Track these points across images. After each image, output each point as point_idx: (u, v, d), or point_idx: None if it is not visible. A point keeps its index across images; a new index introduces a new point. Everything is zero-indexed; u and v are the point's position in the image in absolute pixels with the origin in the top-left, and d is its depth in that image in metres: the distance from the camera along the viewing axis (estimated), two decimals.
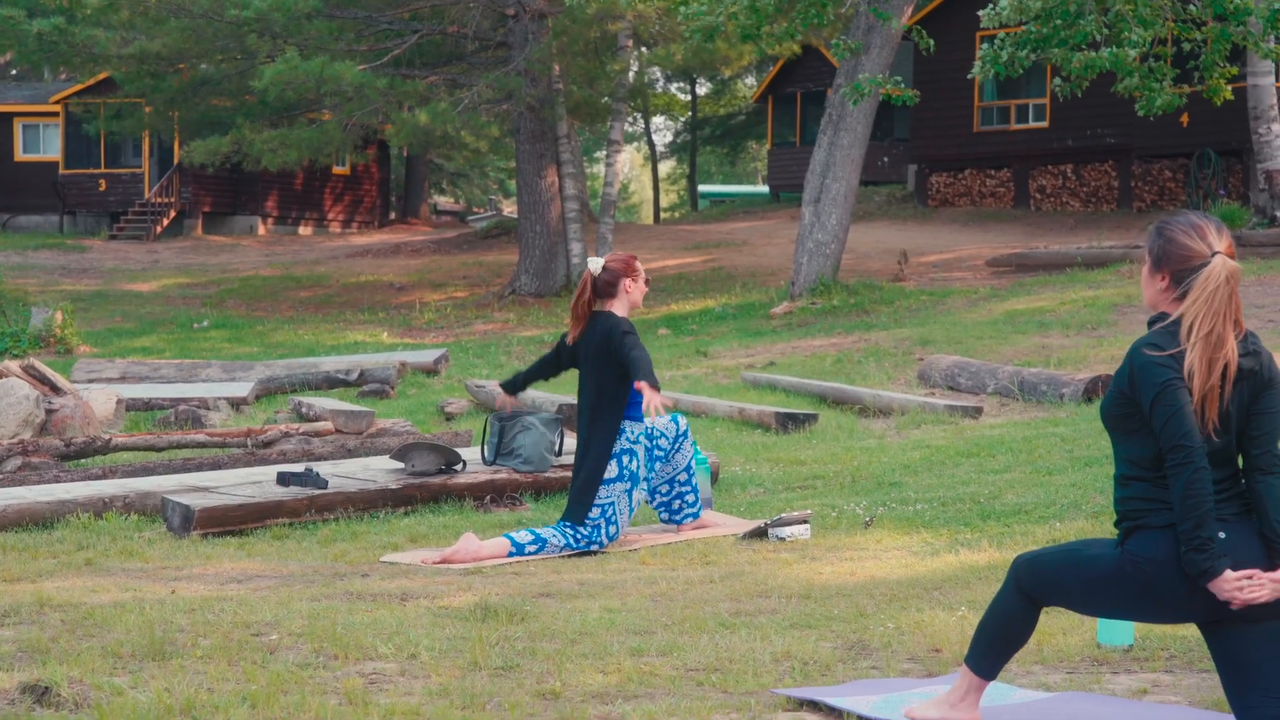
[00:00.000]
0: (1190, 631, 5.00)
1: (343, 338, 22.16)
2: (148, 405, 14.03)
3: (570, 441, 8.69)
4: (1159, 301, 3.84)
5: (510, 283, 26.62)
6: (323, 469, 8.64)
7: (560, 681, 4.50)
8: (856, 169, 21.09)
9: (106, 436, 10.74)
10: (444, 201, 55.50)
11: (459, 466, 8.60)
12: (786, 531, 7.26)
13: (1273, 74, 22.46)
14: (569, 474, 7.92)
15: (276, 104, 25.71)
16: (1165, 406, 3.69)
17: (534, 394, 13.50)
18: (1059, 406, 11.87)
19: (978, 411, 11.93)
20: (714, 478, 8.92)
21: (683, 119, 53.92)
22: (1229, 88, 17.09)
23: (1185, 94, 17.41)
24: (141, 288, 29.12)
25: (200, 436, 11.00)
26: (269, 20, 23.41)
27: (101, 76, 33.30)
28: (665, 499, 7.62)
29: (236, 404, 14.33)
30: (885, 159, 37.88)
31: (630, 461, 7.26)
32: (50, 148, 40.38)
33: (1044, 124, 30.75)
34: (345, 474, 8.57)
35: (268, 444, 10.85)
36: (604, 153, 31.95)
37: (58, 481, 8.98)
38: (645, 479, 7.35)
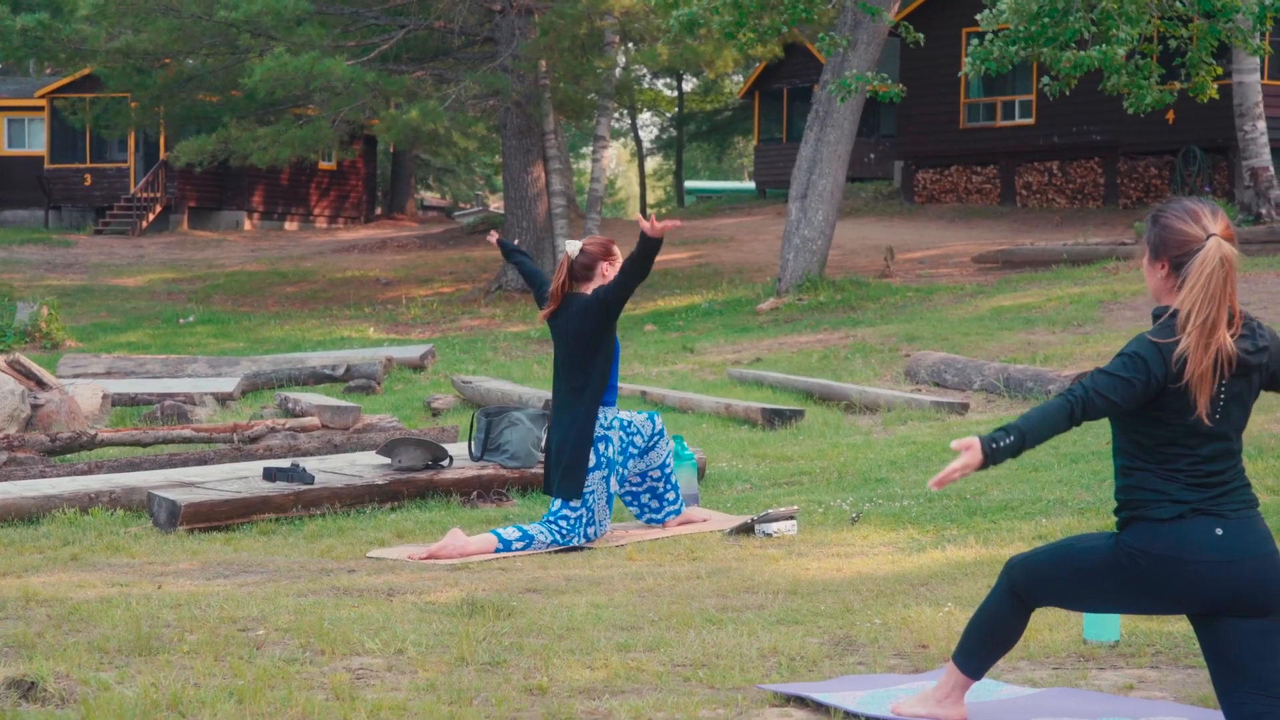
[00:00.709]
0: (1176, 627, 5.01)
1: (329, 333, 22.14)
2: (133, 400, 14.00)
3: None
4: (1161, 291, 3.80)
5: (497, 278, 26.61)
6: (309, 464, 8.63)
7: (547, 677, 4.50)
8: (843, 165, 21.10)
9: (92, 432, 10.71)
10: (430, 197, 55.45)
11: (445, 462, 8.60)
12: (773, 527, 7.26)
13: (1258, 71, 22.51)
14: None
15: (265, 100, 25.68)
16: (1114, 365, 3.69)
17: (520, 390, 13.50)
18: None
19: (964, 408, 11.95)
20: (700, 474, 8.92)
21: (669, 115, 53.94)
22: (1215, 85, 17.13)
23: (1175, 91, 17.46)
24: (127, 283, 29.06)
25: (186, 432, 10.98)
26: (258, 21, 23.38)
27: (86, 71, 33.22)
28: (635, 489, 7.60)
29: (223, 399, 14.30)
30: (872, 155, 37.90)
31: (607, 449, 7.26)
32: (35, 142, 40.27)
33: (1030, 121, 30.79)
34: (332, 469, 8.56)
35: (254, 439, 10.83)
36: (590, 148, 31.95)
37: (43, 477, 8.96)
38: (621, 465, 7.34)
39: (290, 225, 41.69)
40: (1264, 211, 21.92)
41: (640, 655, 4.79)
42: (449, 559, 6.82)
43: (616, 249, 7.46)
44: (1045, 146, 30.67)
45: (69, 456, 10.41)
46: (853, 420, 11.95)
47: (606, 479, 7.28)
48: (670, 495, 7.68)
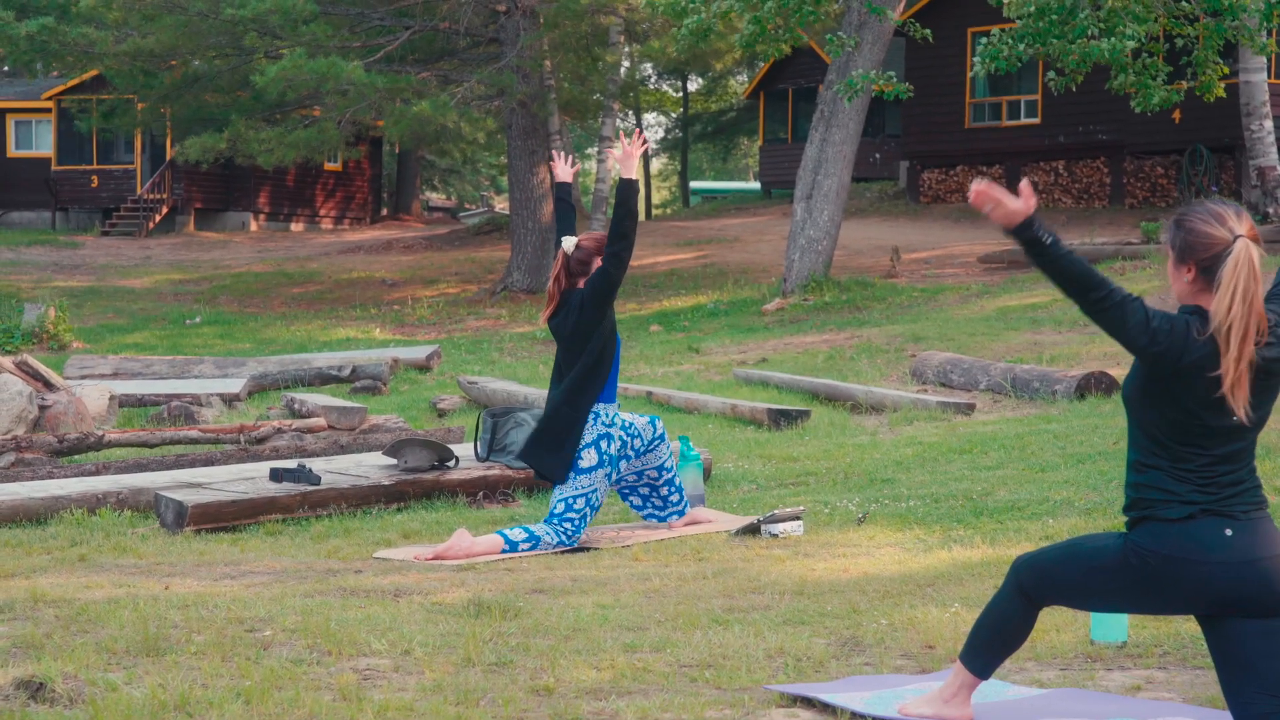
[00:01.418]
0: (1184, 628, 5.01)
1: (335, 334, 22.16)
2: (141, 401, 14.01)
3: None
4: (1187, 295, 3.77)
5: (502, 279, 26.61)
6: (316, 465, 8.64)
7: (554, 678, 4.50)
8: (848, 165, 21.10)
9: (100, 432, 10.73)
10: (436, 198, 55.49)
11: (451, 463, 8.61)
12: (779, 528, 7.26)
13: (1265, 70, 22.49)
14: None
15: (274, 101, 25.71)
16: (1154, 309, 3.69)
17: (526, 390, 13.50)
18: (1052, 403, 11.89)
19: (970, 408, 11.94)
20: (706, 474, 8.92)
21: (674, 115, 53.95)
22: (1222, 84, 17.12)
23: (1182, 90, 17.43)
24: (134, 284, 29.09)
25: (193, 433, 10.99)
26: (265, 20, 23.40)
27: (93, 73, 33.25)
28: (631, 485, 7.60)
29: (229, 400, 14.32)
30: (877, 155, 37.89)
31: (609, 446, 7.26)
32: (43, 144, 40.32)
33: (1036, 120, 30.77)
34: (338, 470, 8.57)
35: (260, 440, 10.84)
36: (596, 149, 31.94)
37: (51, 478, 8.98)
38: (617, 464, 7.34)
39: (296, 226, 41.71)
40: (1271, 211, 21.90)
41: (647, 656, 4.79)
42: (455, 560, 6.83)
43: None
44: (1051, 146, 30.64)
45: (76, 457, 10.43)
46: (859, 421, 11.95)
47: (608, 476, 7.29)
48: (674, 497, 7.67)
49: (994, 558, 6.33)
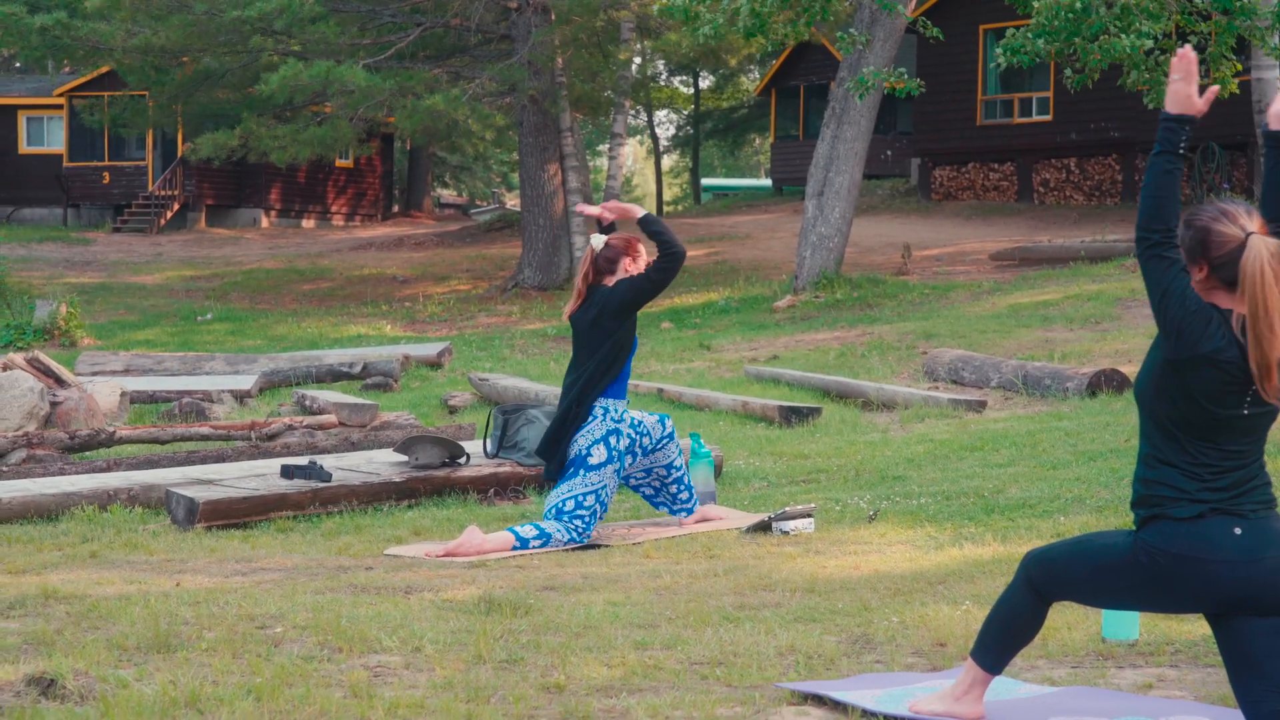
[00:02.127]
0: (1195, 626, 5.00)
1: (346, 331, 22.17)
2: (152, 398, 14.03)
3: None
4: (1200, 294, 3.76)
5: (513, 276, 26.62)
6: (326, 462, 8.65)
7: (564, 675, 4.50)
8: (860, 162, 21.08)
9: (111, 429, 10.74)
10: (447, 195, 55.51)
11: (462, 460, 8.61)
12: (790, 525, 7.25)
13: (1277, 68, 22.42)
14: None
15: (286, 102, 25.77)
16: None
17: (537, 387, 13.50)
18: (1063, 400, 11.87)
19: (981, 405, 11.92)
20: (718, 471, 8.91)
21: (686, 112, 53.91)
22: (1235, 81, 17.08)
23: (1201, 85, 17.41)
24: (145, 280, 29.13)
25: (204, 429, 11.00)
26: (271, 20, 23.44)
27: (105, 70, 33.30)
28: (639, 480, 7.62)
29: (240, 397, 14.33)
30: (888, 152, 37.84)
31: (618, 442, 7.27)
32: (54, 140, 40.38)
33: (1048, 117, 30.72)
34: (349, 467, 8.57)
35: (271, 437, 10.85)
36: (607, 146, 31.94)
37: (62, 474, 8.99)
38: (624, 460, 7.35)
39: (307, 223, 41.75)
40: None
41: (658, 653, 4.79)
42: (466, 557, 6.83)
43: (641, 246, 7.50)
44: (1063, 143, 30.59)
45: (88, 454, 10.44)
46: (870, 418, 11.93)
47: (617, 471, 7.29)
48: (683, 495, 7.67)
49: (1005, 555, 6.32)
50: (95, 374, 15.40)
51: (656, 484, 7.66)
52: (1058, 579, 3.89)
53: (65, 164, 39.88)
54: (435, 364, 16.96)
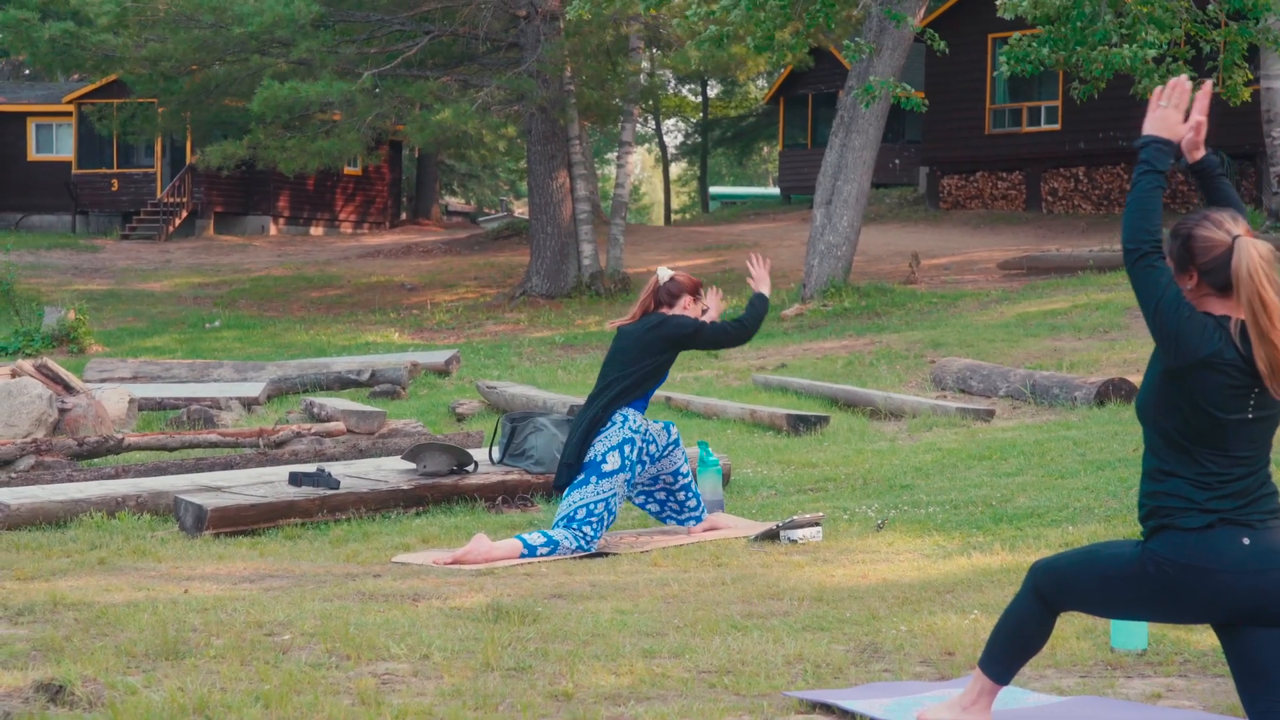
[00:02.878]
0: (1204, 637, 4.99)
1: (354, 338, 22.19)
2: (160, 405, 14.05)
3: None
4: (1192, 303, 3.78)
5: (521, 284, 26.63)
6: (335, 469, 8.65)
7: (572, 683, 4.50)
8: (868, 171, 21.08)
9: (119, 436, 10.75)
10: (455, 202, 55.55)
11: (470, 467, 8.61)
12: (798, 534, 7.25)
13: None
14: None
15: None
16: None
17: (545, 395, 13.50)
18: (1071, 409, 11.86)
19: (990, 414, 11.91)
20: (725, 480, 8.91)
21: (694, 121, 53.95)
22: (1248, 91, 17.08)
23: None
24: (154, 287, 29.17)
25: (212, 436, 11.01)
26: (273, 34, 23.50)
27: (114, 77, 33.36)
28: (647, 489, 7.65)
29: (248, 404, 14.35)
30: (897, 161, 37.85)
31: (631, 451, 7.28)
32: (63, 147, 40.47)
33: (1056, 126, 30.71)
34: (357, 474, 8.58)
35: (280, 444, 10.86)
36: (615, 154, 31.97)
37: (71, 481, 9.00)
38: (635, 470, 7.38)
39: (316, 230, 41.81)
40: None
41: (665, 661, 4.79)
42: (474, 564, 6.83)
43: (704, 291, 7.72)
44: (1071, 152, 30.58)
45: (96, 461, 10.45)
46: (878, 426, 11.93)
47: (628, 481, 7.30)
48: (691, 502, 7.68)
49: (1013, 564, 6.31)
50: (104, 381, 15.42)
51: (664, 493, 7.66)
52: (1065, 589, 3.89)
53: (74, 171, 39.96)
54: (443, 372, 16.97)
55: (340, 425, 11.69)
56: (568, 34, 24.19)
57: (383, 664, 4.77)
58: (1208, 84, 3.96)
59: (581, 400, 12.40)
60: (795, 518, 7.37)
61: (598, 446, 7.26)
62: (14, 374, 11.74)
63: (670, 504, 7.70)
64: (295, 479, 8.23)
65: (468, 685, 4.47)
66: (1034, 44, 15.43)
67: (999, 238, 28.16)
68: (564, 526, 7.17)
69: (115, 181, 39.88)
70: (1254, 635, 3.74)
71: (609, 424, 7.28)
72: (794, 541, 7.21)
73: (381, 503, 8.26)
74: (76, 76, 40.95)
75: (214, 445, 10.89)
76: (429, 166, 46.15)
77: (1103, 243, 24.91)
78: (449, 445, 8.77)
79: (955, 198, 33.01)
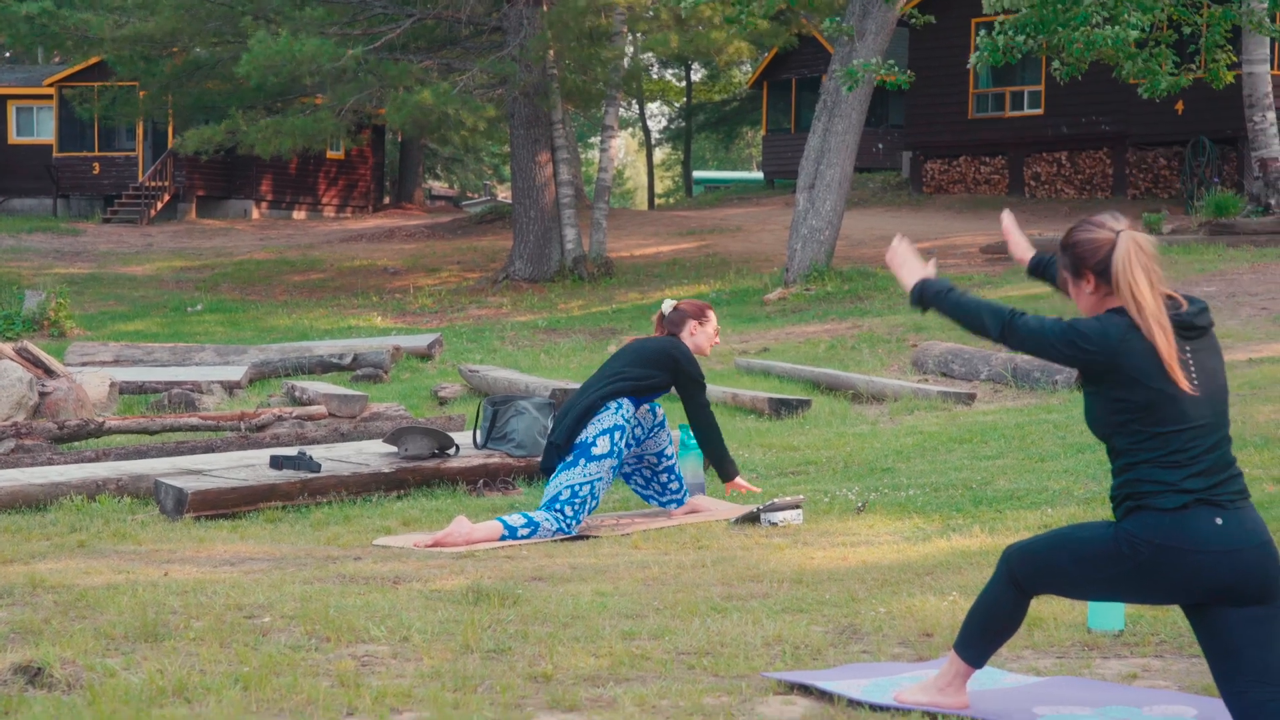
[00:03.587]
0: (1181, 617, 5.01)
1: (336, 322, 22.16)
2: (141, 388, 14.02)
3: None
4: (1097, 307, 3.90)
5: (504, 268, 26.60)
6: (316, 453, 8.64)
7: (552, 664, 4.51)
8: (851, 155, 21.08)
9: (100, 419, 10.73)
10: (438, 186, 55.46)
11: (452, 450, 8.61)
12: (779, 517, 7.27)
13: (1268, 62, 22.47)
14: None
15: (270, 91, 25.68)
16: (1052, 328, 3.86)
17: (527, 379, 13.50)
18: (1052, 393, 11.89)
19: (971, 398, 11.94)
20: (707, 463, 8.91)
21: (678, 105, 53.89)
22: (1231, 73, 17.11)
23: (1192, 77, 17.42)
24: (135, 271, 29.09)
25: (193, 420, 11.00)
26: (262, 3, 23.38)
27: (95, 60, 33.24)
28: (632, 467, 7.68)
29: (230, 388, 14.32)
30: (880, 145, 37.86)
31: (620, 438, 7.30)
32: (44, 130, 40.31)
33: (1039, 111, 30.74)
34: (338, 458, 8.57)
35: (261, 427, 10.85)
36: (598, 138, 31.92)
37: (51, 464, 8.98)
38: (624, 456, 7.41)
39: (298, 214, 41.71)
40: (1273, 202, 21.87)
41: (645, 643, 4.80)
42: (454, 546, 6.84)
43: (711, 313, 7.79)
44: (1054, 137, 30.62)
45: (76, 444, 10.43)
46: (859, 410, 11.95)
47: (615, 468, 7.32)
48: (674, 485, 7.71)
49: (992, 546, 6.33)
50: (84, 364, 15.38)
51: (647, 473, 7.69)
52: (1039, 572, 3.91)
53: (55, 154, 39.81)
54: (425, 355, 16.95)
55: (322, 409, 11.68)
56: (550, 18, 24.14)
57: (362, 646, 4.77)
58: (1007, 214, 4.28)
59: (563, 383, 12.41)
60: (776, 500, 7.38)
61: (589, 429, 7.28)
62: None
63: (653, 485, 7.72)
64: (276, 462, 8.22)
65: (447, 667, 4.47)
66: (1008, 31, 15.42)
67: (982, 222, 28.19)
68: (547, 508, 7.18)
69: (97, 165, 39.74)
70: (1225, 616, 3.77)
71: (603, 409, 7.31)
72: (774, 524, 7.23)
73: (363, 486, 8.25)
74: (58, 59, 40.80)
75: (195, 429, 10.88)
76: (412, 150, 46.04)
77: None
78: (430, 429, 8.77)
79: (938, 182, 33.04)
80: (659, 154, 65.59)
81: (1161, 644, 4.84)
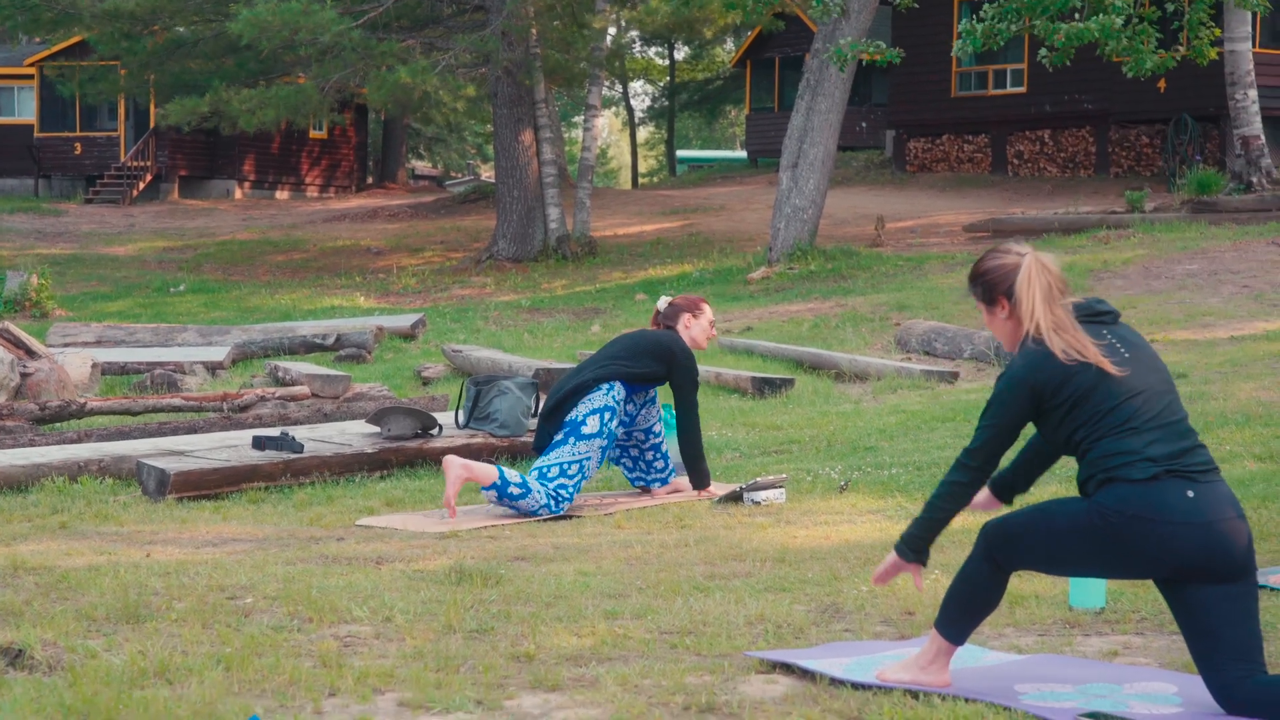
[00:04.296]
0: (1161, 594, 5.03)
1: (320, 302, 22.11)
2: (123, 369, 13.99)
3: None
4: (1015, 332, 4.00)
5: (488, 247, 26.56)
6: (299, 433, 8.63)
7: (534, 644, 4.51)
8: (834, 134, 21.07)
9: (82, 400, 10.71)
10: (421, 166, 55.33)
11: (435, 431, 8.61)
12: (762, 496, 7.28)
13: (1249, 40, 22.48)
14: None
15: (256, 68, 25.51)
16: (992, 409, 3.97)
17: (511, 359, 13.49)
18: None
19: (954, 376, 11.96)
20: None
21: (661, 84, 53.81)
22: (1214, 50, 17.12)
23: (1178, 56, 17.43)
24: (118, 251, 29.00)
25: (176, 400, 10.98)
26: None
27: (76, 39, 33.06)
28: (621, 446, 7.71)
29: (213, 368, 14.30)
30: (863, 124, 37.85)
31: (610, 419, 7.31)
32: (25, 110, 40.13)
33: (1022, 89, 30.75)
34: (321, 438, 8.57)
35: (244, 408, 10.83)
36: (582, 117, 31.86)
37: (32, 445, 8.96)
38: (614, 438, 7.43)
39: (281, 194, 41.59)
40: (1255, 180, 21.91)
41: (627, 623, 4.81)
42: (457, 479, 6.94)
43: (707, 307, 7.81)
44: (1037, 115, 30.63)
45: (58, 425, 10.41)
46: (843, 389, 11.96)
47: (604, 448, 7.32)
48: (659, 463, 7.72)
49: (973, 525, 6.31)
50: (66, 345, 15.34)
51: (635, 451, 7.70)
52: (1015, 548, 3.94)
53: (36, 134, 39.64)
54: (409, 336, 16.93)
55: (305, 389, 11.66)
56: None
57: (345, 627, 4.77)
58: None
59: (547, 363, 12.41)
60: (759, 480, 7.39)
61: (580, 408, 7.29)
62: None
63: (640, 464, 7.73)
64: (259, 443, 8.21)
65: (430, 647, 4.47)
66: (990, 18, 15.41)
67: (965, 200, 28.21)
68: (538, 480, 7.18)
69: (79, 145, 39.58)
70: (1199, 593, 3.79)
71: (595, 389, 7.33)
72: (757, 503, 7.24)
73: (346, 466, 8.25)
74: (38, 39, 40.59)
75: (178, 409, 10.86)
76: (395, 130, 45.91)
77: (1067, 205, 24.99)
78: (413, 409, 8.77)
79: (921, 161, 33.05)
80: (642, 133, 65.51)
81: (1142, 621, 4.85)
